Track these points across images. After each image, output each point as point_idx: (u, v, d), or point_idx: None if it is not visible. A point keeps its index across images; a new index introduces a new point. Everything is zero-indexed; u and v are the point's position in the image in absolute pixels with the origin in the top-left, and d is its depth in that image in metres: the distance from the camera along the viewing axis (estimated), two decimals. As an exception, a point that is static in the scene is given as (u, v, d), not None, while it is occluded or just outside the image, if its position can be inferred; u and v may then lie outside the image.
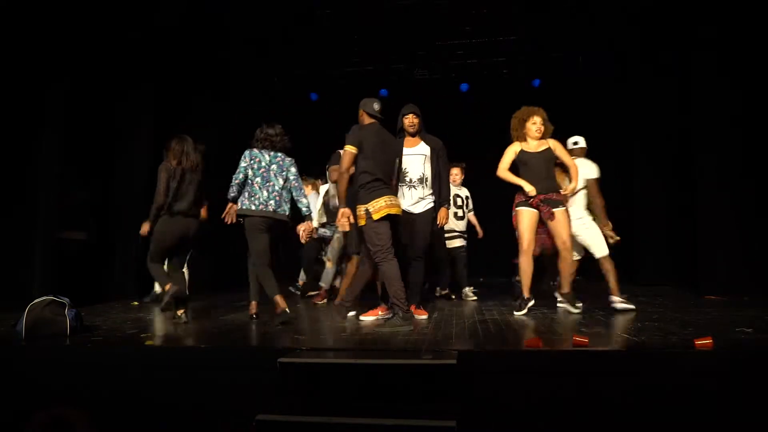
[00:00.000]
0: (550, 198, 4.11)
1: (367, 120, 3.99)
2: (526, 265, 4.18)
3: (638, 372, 2.71)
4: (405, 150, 4.17)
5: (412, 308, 4.10)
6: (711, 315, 4.00)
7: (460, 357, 2.69)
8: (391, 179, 3.97)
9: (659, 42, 6.17)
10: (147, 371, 3.03)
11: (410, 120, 4.20)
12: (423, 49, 6.91)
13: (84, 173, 5.65)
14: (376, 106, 3.99)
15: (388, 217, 3.76)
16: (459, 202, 5.65)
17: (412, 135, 4.22)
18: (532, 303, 4.16)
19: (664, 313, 4.16)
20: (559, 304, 4.33)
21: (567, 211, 4.16)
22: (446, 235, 5.47)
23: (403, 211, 4.05)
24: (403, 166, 4.15)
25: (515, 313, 4.11)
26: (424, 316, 4.07)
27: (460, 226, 5.65)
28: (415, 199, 4.15)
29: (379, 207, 3.73)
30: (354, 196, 3.88)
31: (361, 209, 3.78)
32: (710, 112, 5.23)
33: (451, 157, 4.40)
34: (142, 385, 2.99)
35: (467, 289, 5.54)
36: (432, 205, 4.19)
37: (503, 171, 4.22)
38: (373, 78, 7.45)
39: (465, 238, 5.69)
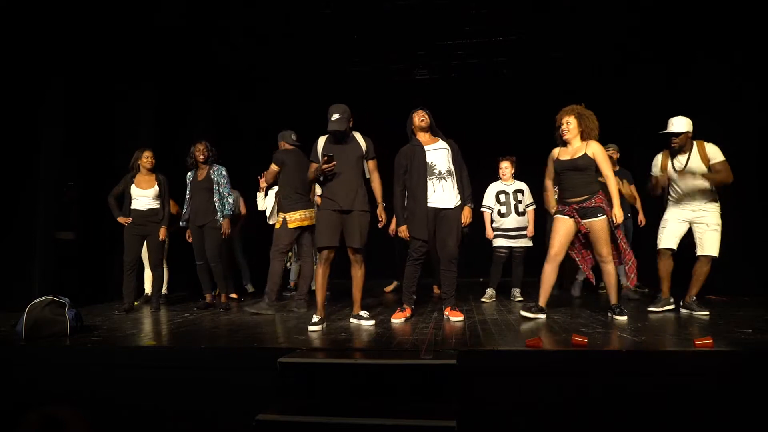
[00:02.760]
0: (587, 207, 3.88)
1: (287, 147, 4.77)
2: (548, 272, 3.99)
3: (638, 372, 2.71)
4: (427, 147, 4.09)
5: (447, 310, 4.07)
6: (711, 315, 4.00)
7: (460, 357, 2.69)
8: (307, 192, 4.67)
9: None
10: (147, 371, 3.03)
11: (420, 115, 4.13)
12: (423, 49, 6.90)
13: (83, 172, 5.65)
14: (294, 137, 4.83)
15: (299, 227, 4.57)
16: (502, 198, 5.36)
17: (424, 130, 4.14)
18: (543, 316, 3.97)
19: (664, 313, 4.16)
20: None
21: (606, 220, 3.87)
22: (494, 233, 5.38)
23: (437, 208, 4.04)
24: (430, 160, 4.07)
25: (523, 312, 3.98)
26: (460, 318, 3.96)
27: (504, 224, 5.34)
28: (447, 192, 4.06)
29: (294, 219, 4.55)
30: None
31: (281, 216, 4.60)
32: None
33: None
34: (142, 386, 2.99)
35: (490, 289, 5.40)
36: (457, 201, 4.12)
37: (546, 182, 4.16)
38: (373, 78, 7.45)
39: (510, 237, 5.31)
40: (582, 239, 4.05)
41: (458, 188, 4.12)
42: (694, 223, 4.16)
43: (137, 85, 6.25)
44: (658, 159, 4.27)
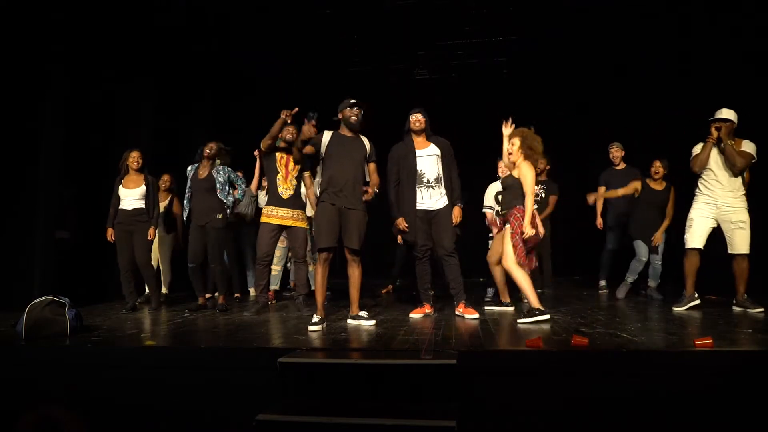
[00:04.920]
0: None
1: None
2: (522, 277, 4.11)
3: (638, 372, 2.71)
4: (417, 152, 4.24)
5: (461, 307, 4.12)
6: (711, 315, 4.00)
7: (460, 357, 2.69)
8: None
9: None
10: (147, 371, 3.03)
11: (416, 117, 4.24)
12: (423, 49, 6.91)
13: (82, 172, 5.65)
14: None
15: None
16: (500, 199, 5.43)
17: (418, 133, 4.26)
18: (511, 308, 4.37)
19: (664, 313, 4.16)
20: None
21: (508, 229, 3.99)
22: (489, 235, 5.37)
23: (427, 210, 4.20)
24: (419, 167, 4.22)
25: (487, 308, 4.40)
26: (475, 316, 4.01)
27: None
28: (434, 198, 4.22)
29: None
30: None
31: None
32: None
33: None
34: (142, 386, 2.99)
35: (491, 289, 5.41)
36: (447, 202, 4.23)
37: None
38: (373, 78, 7.44)
39: None
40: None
41: (447, 190, 4.24)
42: (721, 219, 4.25)
43: (137, 85, 6.25)
44: (699, 146, 4.34)
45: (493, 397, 2.70)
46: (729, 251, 4.22)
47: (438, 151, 4.25)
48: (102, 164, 5.92)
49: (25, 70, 5.01)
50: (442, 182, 4.24)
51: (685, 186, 4.72)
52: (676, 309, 4.25)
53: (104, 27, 5.53)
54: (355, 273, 3.91)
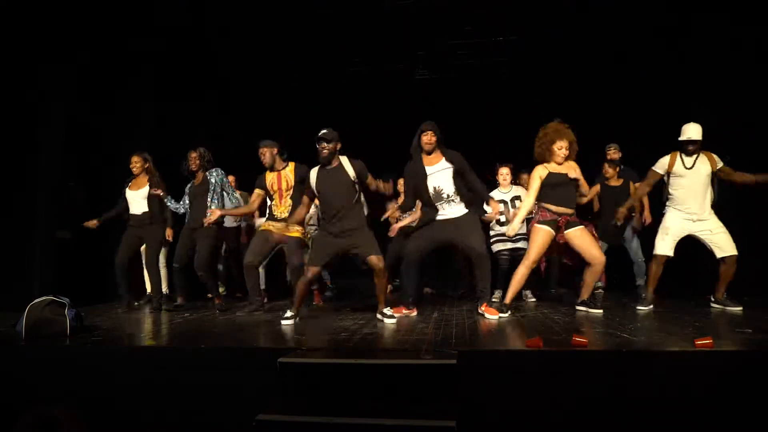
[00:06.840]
0: (573, 220, 4.16)
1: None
2: (523, 276, 4.19)
3: (638, 372, 2.71)
4: (428, 169, 4.18)
5: (484, 306, 4.13)
6: (711, 315, 4.00)
7: (460, 357, 2.69)
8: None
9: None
10: (147, 371, 3.04)
11: (428, 138, 4.16)
12: (423, 49, 6.91)
13: (82, 172, 5.65)
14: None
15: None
16: (501, 207, 5.30)
17: (429, 153, 4.21)
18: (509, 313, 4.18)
19: (664, 313, 4.16)
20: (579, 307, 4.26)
21: (585, 228, 4.19)
22: (490, 240, 5.35)
23: (448, 218, 4.17)
24: (435, 184, 4.16)
25: (500, 314, 4.11)
26: (495, 316, 4.01)
27: (504, 230, 5.26)
28: (456, 209, 4.18)
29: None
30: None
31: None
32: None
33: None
34: (142, 386, 2.99)
35: (497, 292, 5.42)
36: (467, 210, 4.19)
37: (533, 199, 4.20)
38: (373, 78, 7.44)
39: (511, 240, 5.24)
40: (561, 246, 4.25)
41: (476, 203, 4.25)
42: (697, 230, 4.26)
43: (137, 85, 6.25)
44: (666, 159, 4.35)
45: (493, 397, 2.70)
46: (718, 256, 4.22)
47: (450, 166, 4.17)
48: (102, 165, 5.92)
49: (26, 69, 5.01)
50: (462, 193, 4.19)
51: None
52: (641, 308, 4.26)
53: (104, 27, 5.52)
54: (380, 280, 3.99)
